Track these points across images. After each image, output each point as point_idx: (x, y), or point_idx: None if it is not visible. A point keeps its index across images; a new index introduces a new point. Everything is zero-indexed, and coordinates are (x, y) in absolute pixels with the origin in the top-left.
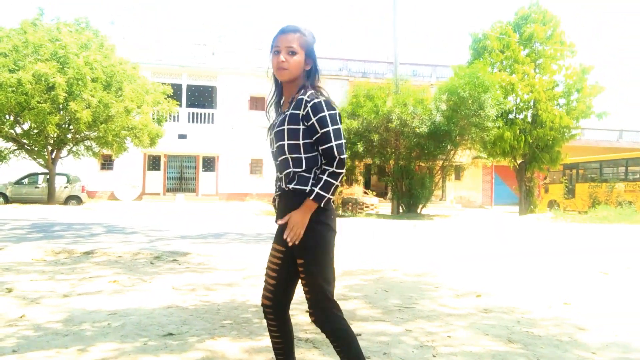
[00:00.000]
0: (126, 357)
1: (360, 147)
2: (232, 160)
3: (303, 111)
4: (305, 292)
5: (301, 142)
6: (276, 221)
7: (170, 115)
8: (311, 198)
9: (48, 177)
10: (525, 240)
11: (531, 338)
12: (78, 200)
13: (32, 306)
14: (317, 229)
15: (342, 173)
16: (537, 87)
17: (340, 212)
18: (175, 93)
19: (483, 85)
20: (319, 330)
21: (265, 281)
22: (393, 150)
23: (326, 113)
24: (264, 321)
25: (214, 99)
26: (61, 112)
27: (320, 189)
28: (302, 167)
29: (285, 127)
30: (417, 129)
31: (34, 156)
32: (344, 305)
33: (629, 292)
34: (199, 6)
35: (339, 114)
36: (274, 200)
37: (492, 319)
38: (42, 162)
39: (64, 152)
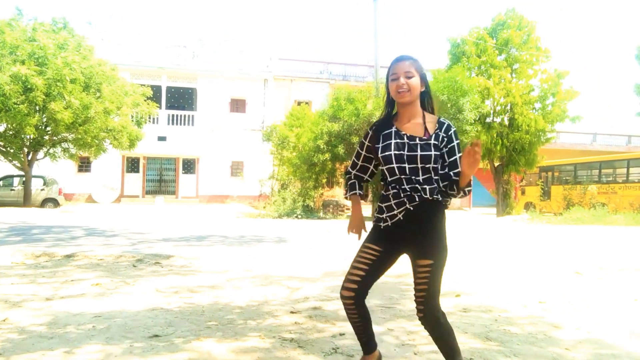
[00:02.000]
0: (113, 358)
1: (341, 150)
2: (212, 163)
3: (446, 134)
4: (418, 291)
5: (437, 166)
6: (387, 229)
7: (149, 117)
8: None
9: (24, 179)
10: (503, 241)
11: (508, 336)
12: (55, 202)
13: (15, 309)
14: (445, 236)
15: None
16: (513, 92)
17: (321, 214)
18: (155, 95)
19: (461, 90)
20: (302, 331)
21: (351, 273)
22: None
23: (452, 130)
24: (249, 322)
25: (194, 101)
26: (38, 114)
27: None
28: (437, 185)
29: (433, 152)
30: None
31: (10, 158)
32: (327, 306)
33: (601, 291)
34: (179, 8)
35: None
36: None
37: (471, 318)
38: (18, 165)
39: (41, 154)
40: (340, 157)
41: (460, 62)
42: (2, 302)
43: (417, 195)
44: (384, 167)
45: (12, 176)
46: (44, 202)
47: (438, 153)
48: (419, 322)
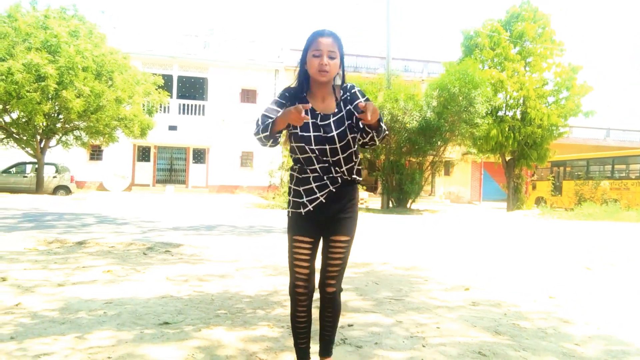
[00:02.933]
0: (124, 345)
1: None
2: (222, 153)
3: (351, 101)
4: (333, 266)
5: (355, 135)
6: (309, 208)
7: (160, 106)
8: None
9: (36, 166)
10: (513, 236)
11: (517, 330)
12: (67, 190)
13: (27, 295)
14: (356, 211)
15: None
16: (526, 85)
17: None
18: (166, 84)
19: (473, 82)
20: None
21: (297, 272)
22: (384, 145)
23: (365, 97)
24: (258, 311)
25: (205, 90)
26: (51, 101)
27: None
28: (357, 159)
29: (346, 123)
30: (407, 125)
31: (23, 145)
32: None
33: (611, 287)
34: None
35: None
36: (312, 190)
37: (480, 312)
38: (31, 152)
39: (53, 141)
40: None
41: (473, 55)
42: (15, 287)
43: (339, 177)
44: (300, 148)
45: (24, 163)
46: (56, 190)
47: (351, 122)
48: (429, 315)
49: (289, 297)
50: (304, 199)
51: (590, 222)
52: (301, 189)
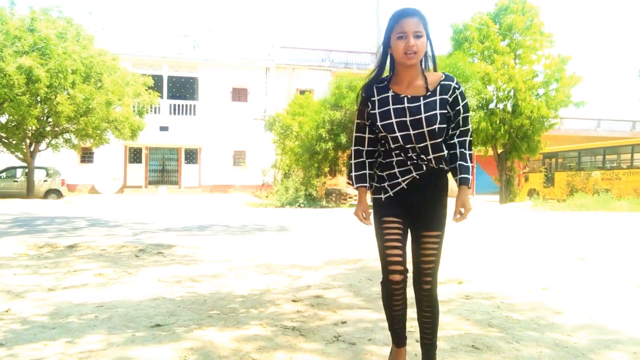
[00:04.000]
0: (115, 348)
1: (343, 139)
2: (214, 152)
3: (450, 97)
4: (427, 262)
5: (444, 126)
6: (393, 197)
7: (151, 107)
8: (468, 186)
9: (27, 170)
10: (506, 228)
11: (510, 322)
12: (58, 193)
13: (17, 300)
14: (446, 203)
15: None
16: (516, 77)
17: (323, 202)
18: (156, 84)
19: (463, 75)
20: (304, 319)
21: (391, 255)
22: None
23: (460, 89)
24: (251, 310)
25: (196, 90)
26: (40, 105)
27: (468, 174)
28: (445, 151)
29: (438, 111)
30: None
31: (12, 149)
32: (329, 294)
33: (604, 277)
34: None
35: None
36: (383, 191)
37: (473, 305)
38: (21, 156)
39: (43, 145)
40: (342, 145)
41: (463, 48)
42: (5, 292)
43: (424, 164)
44: (386, 135)
45: (15, 167)
46: (47, 193)
47: (445, 111)
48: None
49: (281, 296)
50: (385, 184)
51: (582, 213)
52: (384, 173)
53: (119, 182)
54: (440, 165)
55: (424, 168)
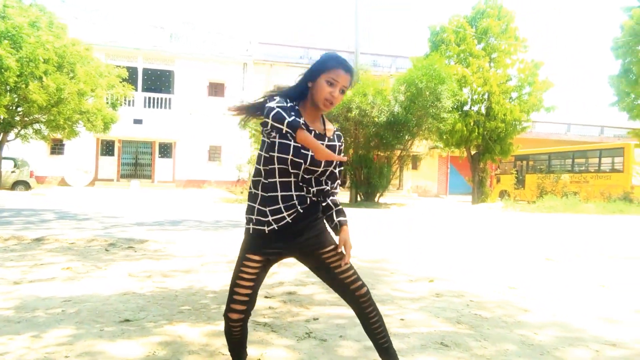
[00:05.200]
0: (82, 343)
1: None
2: (189, 147)
3: (341, 146)
4: (350, 275)
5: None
6: (279, 235)
7: (125, 100)
8: (347, 224)
9: None
10: (477, 228)
11: (479, 320)
12: (26, 185)
13: None
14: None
15: None
16: (490, 81)
17: None
18: (131, 76)
19: (439, 77)
20: (277, 315)
21: (237, 294)
22: (352, 139)
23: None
24: (223, 306)
25: (172, 83)
26: (9, 94)
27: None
28: (325, 184)
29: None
30: (376, 119)
31: None
32: (302, 291)
33: (570, 277)
34: None
35: None
36: (266, 224)
37: (443, 303)
38: None
39: (11, 135)
40: None
41: (439, 50)
42: None
43: (308, 197)
44: (281, 159)
45: None
46: (15, 185)
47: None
48: (394, 306)
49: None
50: (269, 218)
51: (551, 215)
52: (267, 209)
53: (90, 175)
54: (320, 198)
55: (308, 201)
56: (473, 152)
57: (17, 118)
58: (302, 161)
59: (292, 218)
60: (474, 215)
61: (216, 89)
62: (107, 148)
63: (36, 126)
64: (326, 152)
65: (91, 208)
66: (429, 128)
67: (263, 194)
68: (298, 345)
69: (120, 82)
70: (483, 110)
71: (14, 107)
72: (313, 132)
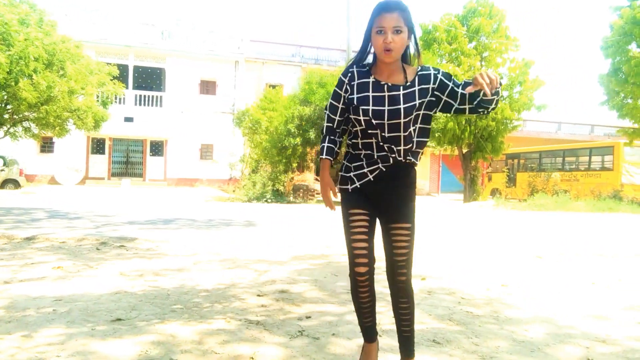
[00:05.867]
0: (73, 342)
1: (312, 134)
2: (181, 145)
3: (434, 84)
4: (400, 255)
5: (418, 113)
6: (354, 188)
7: (116, 98)
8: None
9: None
10: (469, 226)
11: (470, 317)
12: (15, 184)
13: None
14: (414, 197)
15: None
16: None
17: (291, 198)
18: (122, 74)
19: None
20: (269, 313)
21: (357, 248)
22: (344, 138)
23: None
24: (215, 305)
25: (163, 81)
26: None
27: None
28: (414, 144)
29: (417, 101)
30: None
31: None
32: (294, 289)
33: (561, 275)
34: None
35: None
36: (350, 181)
37: (435, 300)
38: None
39: (0, 133)
40: (311, 141)
41: (431, 49)
42: None
43: (392, 157)
44: (359, 121)
45: None
46: (4, 183)
47: (423, 100)
48: (385, 304)
49: (246, 290)
50: (351, 173)
51: (542, 213)
52: (352, 165)
53: (81, 173)
54: (408, 158)
55: (391, 161)
56: (464, 150)
57: (6, 116)
58: (370, 119)
59: (375, 176)
60: (466, 214)
61: (208, 87)
62: (97, 146)
63: (26, 124)
64: (323, 195)
65: (82, 207)
66: None
67: (351, 151)
68: (290, 343)
69: (111, 79)
70: None
71: (3, 105)
72: (385, 85)
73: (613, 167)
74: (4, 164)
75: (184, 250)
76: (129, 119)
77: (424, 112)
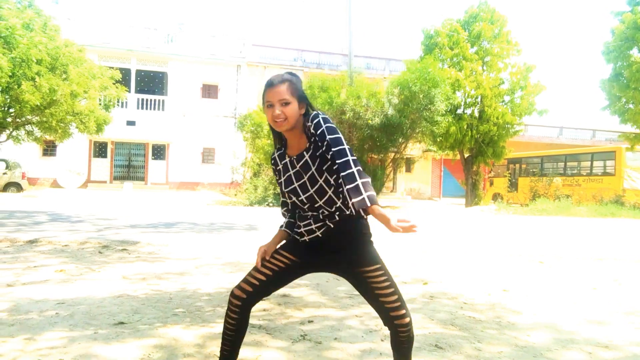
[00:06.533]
0: (76, 345)
1: None
2: (183, 149)
3: (317, 135)
4: (393, 301)
5: (328, 175)
6: (302, 245)
7: (118, 101)
8: (370, 204)
9: None
10: (470, 231)
11: (472, 322)
12: (18, 187)
13: None
14: (370, 242)
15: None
16: (483, 84)
17: None
18: (124, 78)
19: (433, 81)
20: (271, 317)
21: (251, 275)
22: (346, 142)
23: (324, 126)
24: (217, 309)
25: (165, 85)
26: (1, 95)
27: (365, 191)
28: (339, 199)
29: (314, 169)
30: (369, 122)
31: None
32: (295, 293)
33: (562, 280)
34: None
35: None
36: (300, 235)
37: (437, 305)
38: None
39: (3, 136)
40: None
41: (433, 54)
42: None
43: (337, 214)
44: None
45: None
46: (7, 187)
47: (320, 160)
48: None
49: None
50: (302, 230)
51: (544, 218)
52: (302, 223)
53: (83, 176)
54: (344, 214)
55: (337, 217)
56: (466, 155)
57: (9, 119)
58: (294, 200)
59: (322, 232)
60: (467, 218)
61: (209, 91)
62: (99, 150)
63: (28, 127)
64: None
65: (84, 210)
66: (423, 131)
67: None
68: (293, 347)
69: (114, 83)
70: (476, 114)
71: (6, 108)
72: (293, 159)
73: (615, 172)
74: (7, 167)
75: (186, 254)
76: (131, 123)
77: (329, 164)
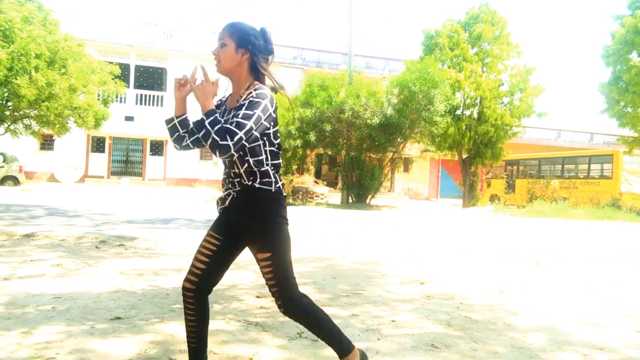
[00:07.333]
0: (73, 340)
1: (312, 137)
2: None
3: (237, 109)
4: (271, 286)
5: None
6: (220, 212)
7: (117, 96)
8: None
9: None
10: (467, 232)
11: (469, 322)
12: (15, 181)
13: None
14: (280, 223)
15: (204, 145)
16: (483, 86)
17: (290, 200)
18: (123, 73)
19: (433, 81)
20: (268, 315)
21: (193, 265)
22: (345, 140)
23: (254, 98)
24: (214, 305)
25: (164, 81)
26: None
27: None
28: (254, 167)
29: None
30: (368, 121)
31: None
32: None
33: (559, 281)
34: None
35: (273, 104)
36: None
37: (434, 305)
38: None
39: (1, 129)
40: (311, 143)
41: (433, 54)
42: None
43: (237, 182)
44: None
45: None
46: (4, 180)
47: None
48: (385, 308)
49: (245, 292)
50: (218, 197)
51: (540, 219)
52: (223, 187)
53: (80, 171)
54: (255, 183)
55: (237, 185)
56: (464, 156)
57: (7, 113)
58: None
59: (229, 201)
60: (465, 219)
61: None
62: (97, 145)
63: (26, 121)
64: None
65: (81, 205)
66: (422, 131)
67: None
68: (290, 345)
69: (113, 79)
70: (475, 115)
71: (4, 102)
72: (223, 107)
73: (612, 175)
74: (4, 161)
75: (183, 250)
76: (129, 118)
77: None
